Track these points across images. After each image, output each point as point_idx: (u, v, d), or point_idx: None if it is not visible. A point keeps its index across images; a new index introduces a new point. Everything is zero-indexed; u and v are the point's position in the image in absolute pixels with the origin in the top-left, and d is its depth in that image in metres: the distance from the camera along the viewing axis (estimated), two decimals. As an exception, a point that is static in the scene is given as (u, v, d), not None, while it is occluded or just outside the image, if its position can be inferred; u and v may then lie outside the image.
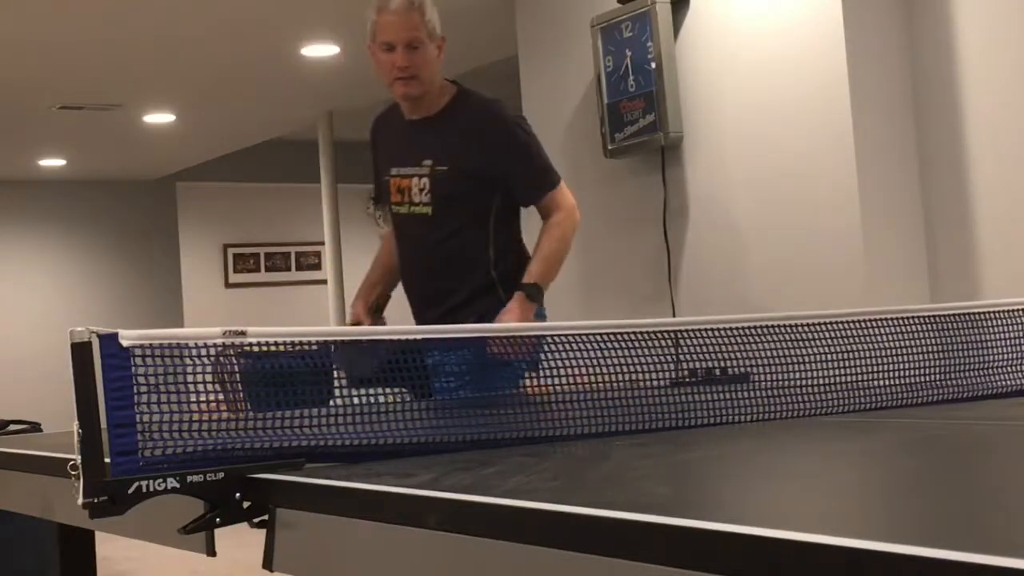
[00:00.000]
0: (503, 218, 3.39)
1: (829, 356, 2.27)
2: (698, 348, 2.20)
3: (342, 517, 1.55)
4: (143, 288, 11.37)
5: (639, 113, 4.75)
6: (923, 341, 2.39)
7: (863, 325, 2.34)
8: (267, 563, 1.65)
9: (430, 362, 2.32)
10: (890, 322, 2.38)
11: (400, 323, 2.75)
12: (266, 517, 1.66)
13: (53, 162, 10.21)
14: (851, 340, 2.30)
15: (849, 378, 2.30)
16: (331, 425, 1.90)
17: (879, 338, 2.35)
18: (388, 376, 2.11)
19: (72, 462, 1.59)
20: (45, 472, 2.27)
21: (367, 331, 2.25)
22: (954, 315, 2.47)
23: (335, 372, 2.07)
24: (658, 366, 2.14)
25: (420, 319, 3.42)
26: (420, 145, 3.38)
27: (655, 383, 2.13)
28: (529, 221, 3.58)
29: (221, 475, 1.65)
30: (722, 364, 2.25)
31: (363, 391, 2.01)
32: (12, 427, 5.77)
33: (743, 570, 1.04)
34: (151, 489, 1.60)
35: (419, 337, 2.29)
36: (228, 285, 12.77)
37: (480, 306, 3.29)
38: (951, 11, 4.11)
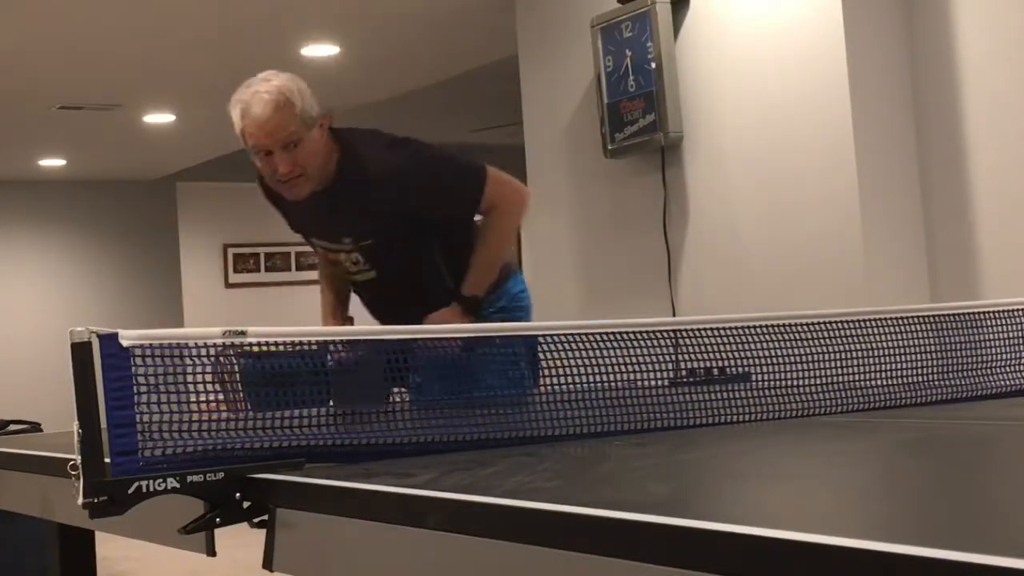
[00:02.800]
0: (449, 243, 3.19)
1: (829, 356, 2.27)
2: (697, 348, 2.20)
3: (342, 517, 1.55)
4: (143, 288, 11.36)
5: (639, 113, 4.75)
6: (923, 341, 2.39)
7: (863, 325, 2.35)
8: (267, 563, 1.66)
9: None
10: (889, 322, 2.38)
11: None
12: (266, 517, 1.67)
13: (53, 162, 10.21)
14: (851, 340, 2.31)
15: (849, 378, 2.30)
16: (331, 425, 1.90)
17: (879, 338, 2.35)
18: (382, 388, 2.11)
19: (72, 462, 1.60)
20: (45, 472, 2.27)
21: (364, 331, 2.24)
22: (953, 315, 2.47)
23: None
24: (658, 366, 2.14)
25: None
26: (331, 221, 3.16)
27: (654, 383, 2.13)
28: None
29: (221, 475, 1.65)
30: (721, 364, 2.25)
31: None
32: (12, 427, 5.78)
33: (743, 570, 1.04)
34: (151, 489, 1.61)
35: (406, 337, 2.29)
36: (228, 285, 12.76)
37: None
38: (951, 11, 4.11)
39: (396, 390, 2.30)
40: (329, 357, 2.11)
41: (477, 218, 3.25)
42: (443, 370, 2.35)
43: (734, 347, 2.22)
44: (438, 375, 2.37)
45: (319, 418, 1.90)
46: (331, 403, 2.03)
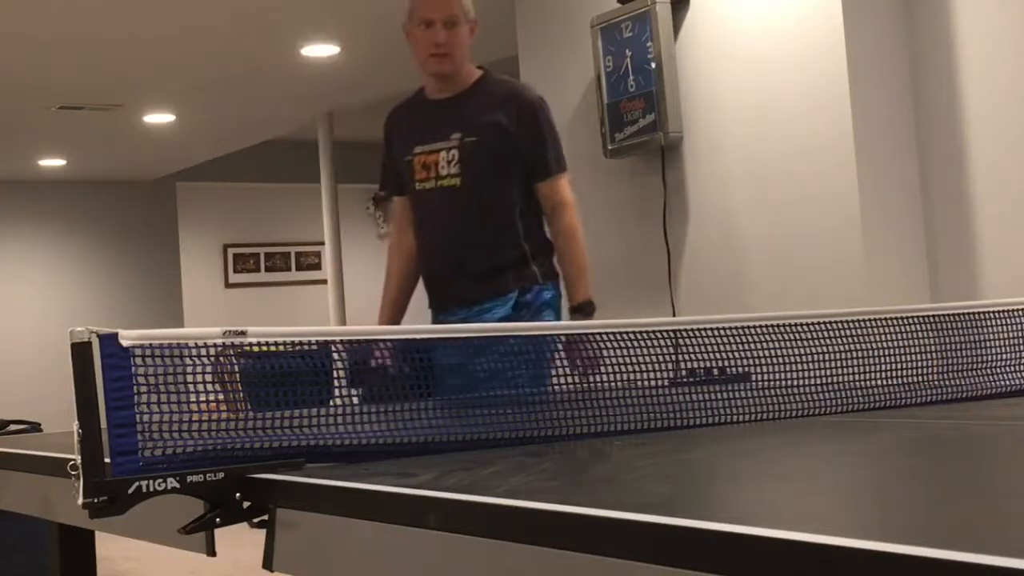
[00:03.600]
0: (532, 193, 3.49)
1: (829, 356, 2.27)
2: (697, 348, 2.20)
3: (342, 517, 1.55)
4: (143, 288, 11.37)
5: (639, 113, 4.75)
6: (923, 341, 2.39)
7: (863, 325, 2.34)
8: (267, 563, 1.65)
9: (449, 362, 2.33)
10: (890, 322, 2.38)
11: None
12: (266, 517, 1.66)
13: (53, 162, 10.21)
14: (851, 340, 2.30)
15: (849, 378, 2.30)
16: (331, 425, 1.90)
17: (879, 338, 2.35)
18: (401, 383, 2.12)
19: (72, 462, 1.59)
20: (45, 472, 2.27)
21: (372, 331, 2.24)
22: (954, 315, 2.47)
23: (335, 372, 2.06)
24: (658, 366, 2.14)
25: (444, 293, 3.46)
26: (448, 121, 3.49)
27: (654, 383, 2.13)
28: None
29: (221, 475, 1.65)
30: (721, 364, 2.25)
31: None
32: (12, 427, 5.78)
33: (743, 570, 1.04)
34: (151, 489, 1.60)
35: (431, 337, 2.29)
36: (228, 285, 12.77)
37: (513, 280, 3.41)
38: (951, 10, 4.11)
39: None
40: (373, 361, 2.16)
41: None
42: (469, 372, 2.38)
43: (734, 347, 2.22)
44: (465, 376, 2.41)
45: (319, 418, 1.90)
46: (350, 398, 2.02)
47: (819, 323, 2.29)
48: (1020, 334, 2.48)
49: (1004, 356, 2.46)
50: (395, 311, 3.64)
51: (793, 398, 2.21)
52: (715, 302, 4.57)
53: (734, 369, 2.25)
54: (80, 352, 1.63)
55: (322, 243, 9.06)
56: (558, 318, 3.53)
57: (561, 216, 3.52)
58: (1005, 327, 2.48)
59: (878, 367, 2.34)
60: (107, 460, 1.63)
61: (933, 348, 2.40)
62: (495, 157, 3.44)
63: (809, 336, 2.26)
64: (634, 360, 2.13)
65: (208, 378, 1.83)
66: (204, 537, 1.71)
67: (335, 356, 2.08)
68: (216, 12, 6.15)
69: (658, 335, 2.15)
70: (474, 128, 3.45)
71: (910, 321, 2.40)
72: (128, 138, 9.25)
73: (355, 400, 1.97)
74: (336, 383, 2.05)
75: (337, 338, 2.21)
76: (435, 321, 3.48)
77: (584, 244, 3.58)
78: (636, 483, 1.53)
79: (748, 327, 2.23)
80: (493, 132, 3.44)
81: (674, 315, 4.60)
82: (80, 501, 1.58)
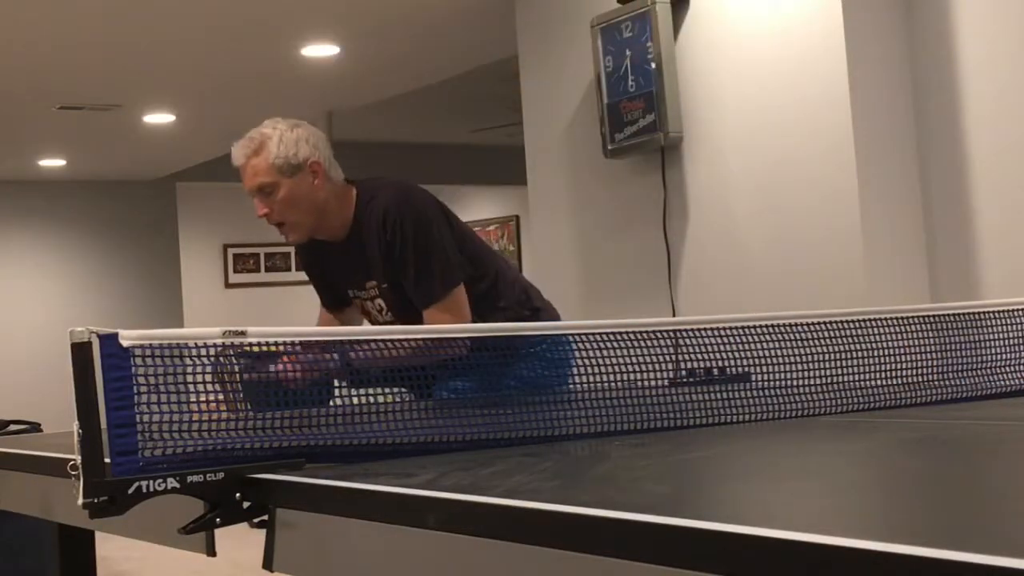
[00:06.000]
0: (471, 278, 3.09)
1: (828, 356, 2.27)
2: (697, 348, 2.20)
3: (342, 517, 1.55)
4: (143, 288, 11.36)
5: (639, 113, 4.75)
6: (922, 341, 2.39)
7: (863, 325, 2.34)
8: (267, 563, 1.66)
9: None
10: (889, 322, 2.38)
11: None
12: (266, 517, 1.67)
13: (53, 162, 10.21)
14: (851, 340, 2.30)
15: (848, 378, 2.30)
16: (331, 425, 1.90)
17: (879, 338, 2.35)
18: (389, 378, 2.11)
19: (72, 462, 1.59)
20: (45, 472, 2.27)
21: (365, 331, 2.24)
22: (953, 315, 2.47)
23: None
24: (658, 366, 2.14)
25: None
26: (354, 268, 3.13)
27: (654, 383, 2.13)
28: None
29: (221, 475, 1.65)
30: (721, 364, 2.25)
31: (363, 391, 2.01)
32: (12, 427, 5.78)
33: (742, 570, 1.04)
34: (151, 489, 1.61)
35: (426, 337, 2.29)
36: (228, 285, 12.77)
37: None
38: (951, 11, 4.11)
39: (396, 390, 2.30)
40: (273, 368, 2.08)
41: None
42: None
43: (734, 347, 2.22)
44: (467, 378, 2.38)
45: (319, 418, 1.91)
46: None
47: (819, 323, 2.29)
48: (1020, 334, 2.48)
49: (1004, 356, 2.46)
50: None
51: (793, 398, 2.21)
52: (715, 302, 4.57)
53: (734, 369, 2.26)
54: (80, 352, 1.63)
55: (322, 243, 9.05)
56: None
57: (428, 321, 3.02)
58: (1005, 327, 2.48)
59: (878, 367, 2.34)
60: (107, 460, 1.63)
61: (933, 348, 2.40)
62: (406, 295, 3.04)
63: (809, 336, 2.26)
64: (634, 360, 2.13)
65: (208, 378, 1.83)
66: (204, 537, 1.72)
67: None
68: (216, 12, 6.15)
69: (658, 335, 2.15)
70: (379, 273, 3.06)
71: (910, 321, 2.40)
72: (128, 138, 9.24)
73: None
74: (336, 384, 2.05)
75: (337, 338, 2.21)
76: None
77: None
78: (636, 483, 1.53)
79: (748, 327, 2.23)
80: (392, 270, 3.03)
81: (674, 315, 4.60)
82: (80, 501, 1.58)
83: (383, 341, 2.11)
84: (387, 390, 2.12)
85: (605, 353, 2.11)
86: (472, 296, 3.06)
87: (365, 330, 2.45)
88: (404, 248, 2.98)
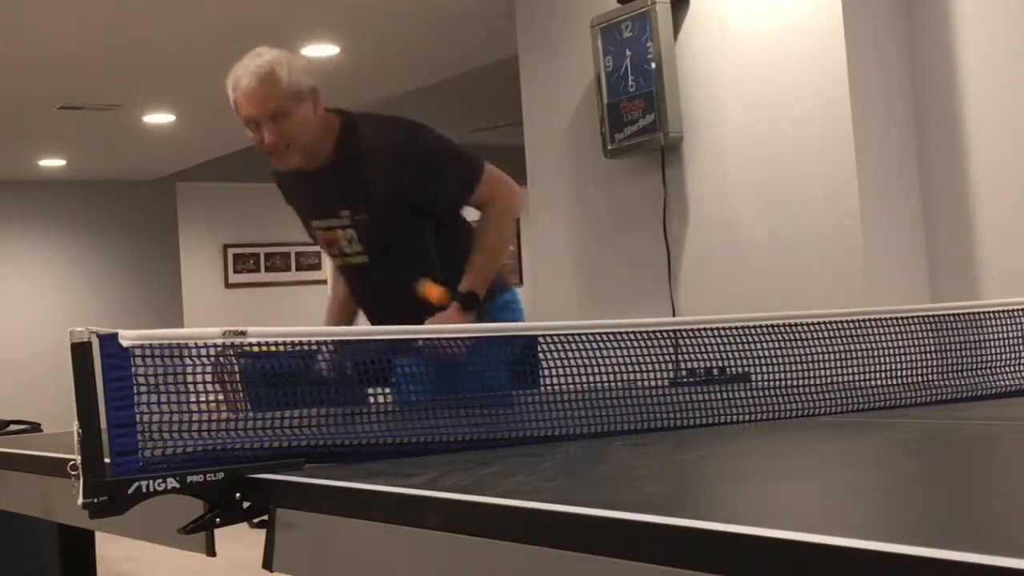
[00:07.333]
0: (443, 231, 3.19)
1: (828, 356, 2.27)
2: (697, 348, 2.20)
3: (342, 517, 1.55)
4: (143, 288, 11.36)
5: (639, 113, 4.75)
6: (922, 341, 2.39)
7: (862, 325, 2.34)
8: (267, 563, 1.65)
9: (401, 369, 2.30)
10: (889, 322, 2.38)
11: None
12: (266, 517, 1.67)
13: (53, 162, 10.21)
14: (850, 340, 2.30)
15: (848, 378, 2.30)
16: (331, 425, 1.90)
17: (878, 338, 2.35)
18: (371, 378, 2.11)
19: (72, 462, 1.59)
20: (45, 472, 2.27)
21: (354, 331, 2.24)
22: (953, 315, 2.47)
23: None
24: (658, 366, 2.14)
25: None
26: (330, 196, 3.17)
27: (654, 383, 2.13)
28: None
29: (221, 475, 1.65)
30: (721, 364, 2.25)
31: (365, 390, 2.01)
32: (12, 427, 5.78)
33: (743, 570, 1.04)
34: (151, 489, 1.60)
35: (395, 338, 2.29)
36: (228, 285, 12.76)
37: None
38: (951, 11, 4.11)
39: (377, 390, 2.30)
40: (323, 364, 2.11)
41: (473, 218, 3.25)
42: (437, 371, 2.35)
43: (734, 347, 2.22)
44: (434, 375, 2.37)
45: (319, 418, 1.90)
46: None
47: (819, 323, 2.29)
48: (1020, 334, 2.48)
49: (1003, 356, 2.46)
50: (345, 307, 3.44)
51: (793, 398, 2.21)
52: (715, 302, 4.57)
53: (734, 369, 2.26)
54: (80, 352, 1.63)
55: (322, 243, 9.05)
56: (520, 318, 3.37)
57: (485, 212, 3.19)
58: (1004, 327, 2.48)
59: (878, 367, 2.34)
60: (107, 460, 1.63)
61: (933, 348, 2.40)
62: (392, 223, 3.13)
63: (809, 336, 2.26)
64: (634, 360, 2.13)
65: (208, 378, 1.83)
66: (204, 537, 1.72)
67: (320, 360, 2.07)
68: (216, 12, 6.15)
69: (658, 335, 2.15)
70: (358, 202, 3.12)
71: (910, 321, 2.40)
72: (128, 138, 9.25)
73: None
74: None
75: (336, 338, 2.21)
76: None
77: (499, 246, 3.20)
78: (636, 483, 1.53)
79: (748, 327, 2.23)
80: (379, 198, 3.10)
81: (674, 315, 4.60)
82: (80, 501, 1.58)
83: (383, 341, 2.11)
84: (381, 389, 2.11)
85: (605, 353, 2.11)
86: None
87: (370, 330, 2.45)
88: (428, 153, 3.14)
